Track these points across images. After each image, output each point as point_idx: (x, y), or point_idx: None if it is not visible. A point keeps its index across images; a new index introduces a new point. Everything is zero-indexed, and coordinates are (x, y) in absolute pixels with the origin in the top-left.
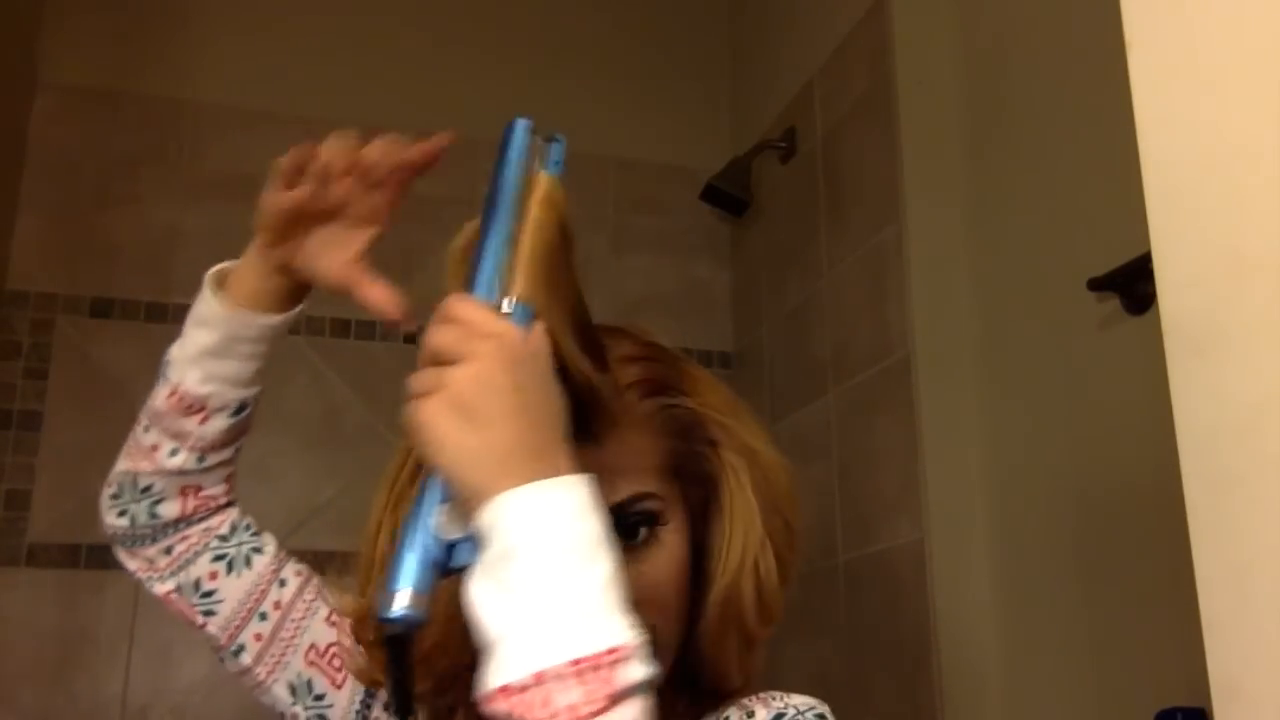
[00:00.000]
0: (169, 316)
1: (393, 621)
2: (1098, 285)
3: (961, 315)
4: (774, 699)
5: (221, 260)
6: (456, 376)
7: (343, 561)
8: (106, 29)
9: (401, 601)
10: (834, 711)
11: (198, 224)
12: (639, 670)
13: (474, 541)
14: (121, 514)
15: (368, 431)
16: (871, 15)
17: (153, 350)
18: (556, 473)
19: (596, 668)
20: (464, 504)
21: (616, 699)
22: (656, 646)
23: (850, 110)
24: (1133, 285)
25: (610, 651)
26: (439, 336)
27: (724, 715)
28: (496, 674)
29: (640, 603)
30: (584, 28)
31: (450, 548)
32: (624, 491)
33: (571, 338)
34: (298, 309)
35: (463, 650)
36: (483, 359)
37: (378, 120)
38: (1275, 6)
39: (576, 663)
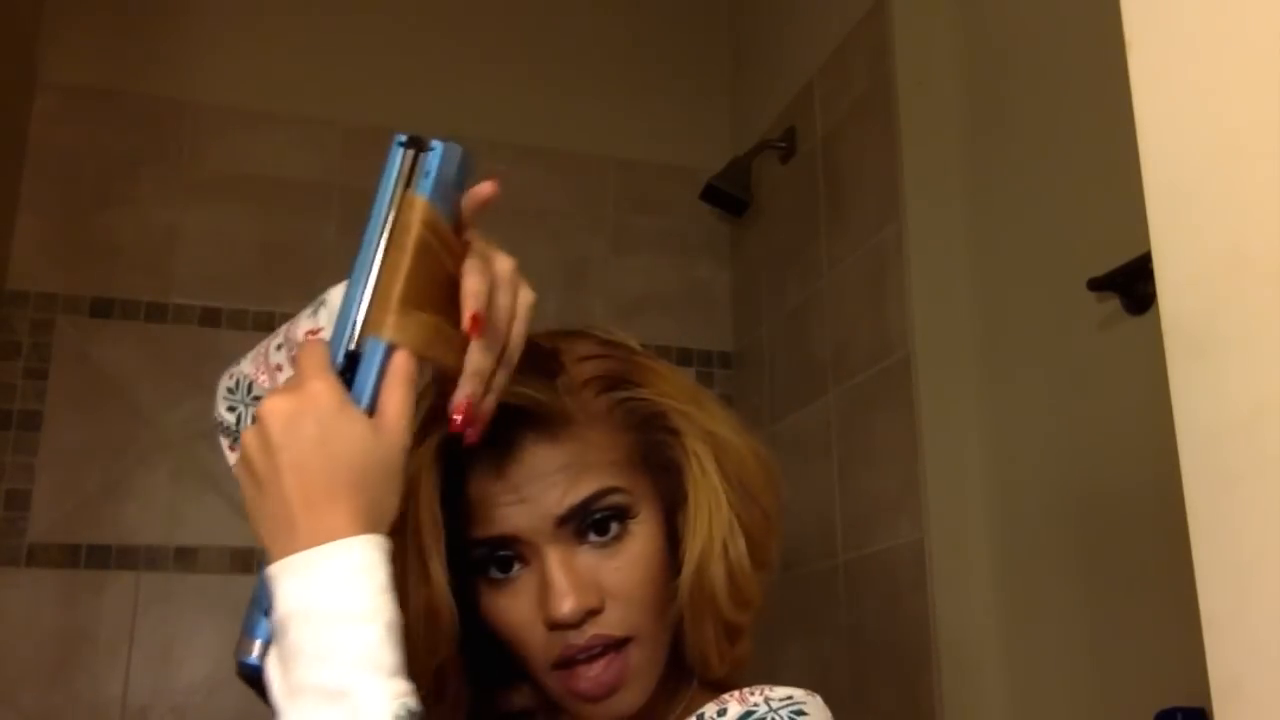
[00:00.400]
0: (169, 316)
1: (248, 667)
2: (1098, 285)
3: (961, 315)
4: (753, 693)
5: (221, 260)
6: (245, 438)
7: None
8: (106, 29)
9: (243, 647)
10: (833, 712)
11: (198, 224)
12: None
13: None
14: (231, 409)
15: None
16: (871, 15)
17: (153, 350)
18: (329, 533)
19: None
20: None
21: None
22: (640, 649)
23: (850, 110)
24: (1133, 285)
25: None
26: (269, 399)
27: (700, 712)
28: None
29: (617, 597)
30: (584, 28)
31: None
32: (586, 488)
33: (459, 348)
34: None
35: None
36: (263, 418)
37: (377, 120)
38: (1275, 6)
39: None
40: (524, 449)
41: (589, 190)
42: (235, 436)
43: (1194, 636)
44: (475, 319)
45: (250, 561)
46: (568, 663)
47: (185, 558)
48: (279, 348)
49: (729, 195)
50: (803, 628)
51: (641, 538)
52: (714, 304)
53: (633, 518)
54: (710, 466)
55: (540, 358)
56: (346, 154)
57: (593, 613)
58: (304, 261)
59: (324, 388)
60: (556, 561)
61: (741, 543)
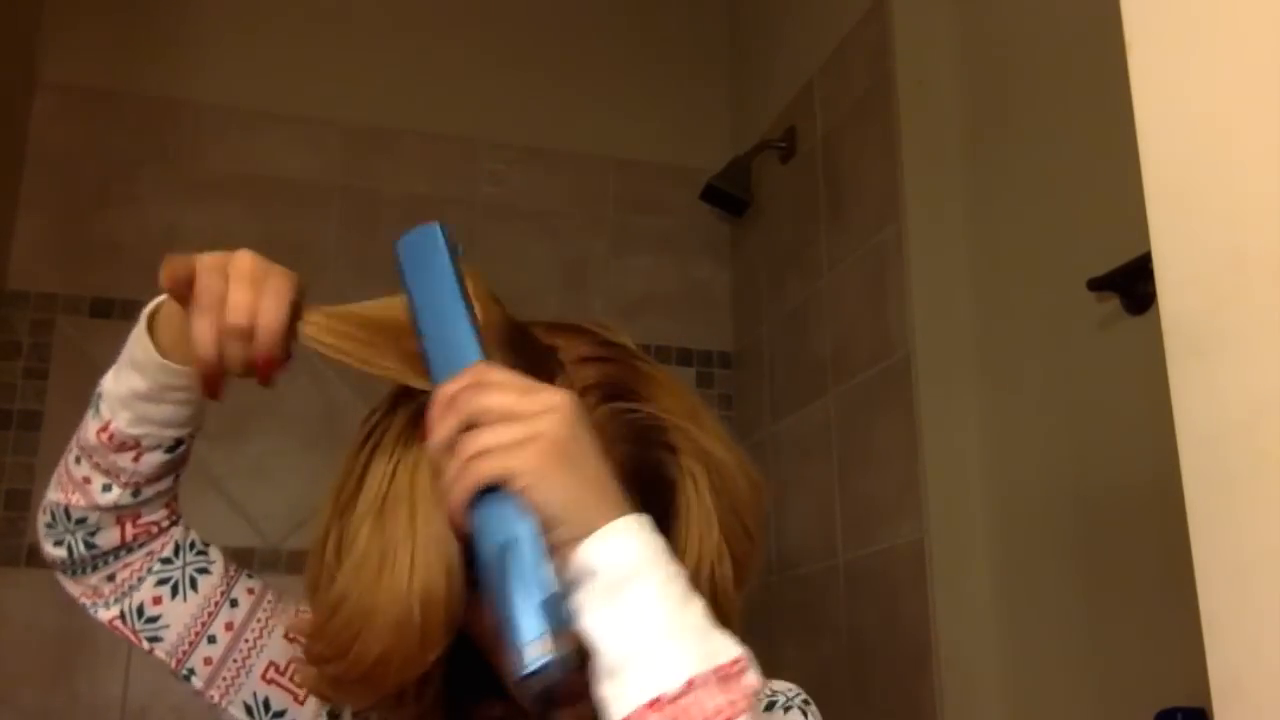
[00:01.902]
0: None
1: (538, 672)
2: (1098, 285)
3: (961, 315)
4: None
5: None
6: (544, 427)
7: None
8: (106, 29)
9: (537, 650)
10: (834, 712)
11: (198, 224)
12: (756, 677)
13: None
14: (58, 544)
15: None
16: (871, 15)
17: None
18: (632, 508)
19: (731, 675)
20: (561, 542)
21: (750, 701)
22: None
23: (850, 110)
24: (1133, 285)
25: (736, 661)
26: (493, 398)
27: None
28: (642, 688)
29: None
30: (584, 28)
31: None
32: None
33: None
34: None
35: (416, 664)
36: (561, 410)
37: (377, 120)
38: (1275, 6)
39: (718, 669)
40: None
41: (589, 190)
42: (73, 569)
43: (1194, 636)
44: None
45: (250, 561)
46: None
47: None
48: (78, 460)
49: (729, 195)
50: (802, 628)
51: None
52: (714, 304)
53: None
54: (704, 487)
55: (538, 356)
56: (346, 154)
57: None
58: (304, 261)
59: (566, 395)
60: None
61: (728, 566)
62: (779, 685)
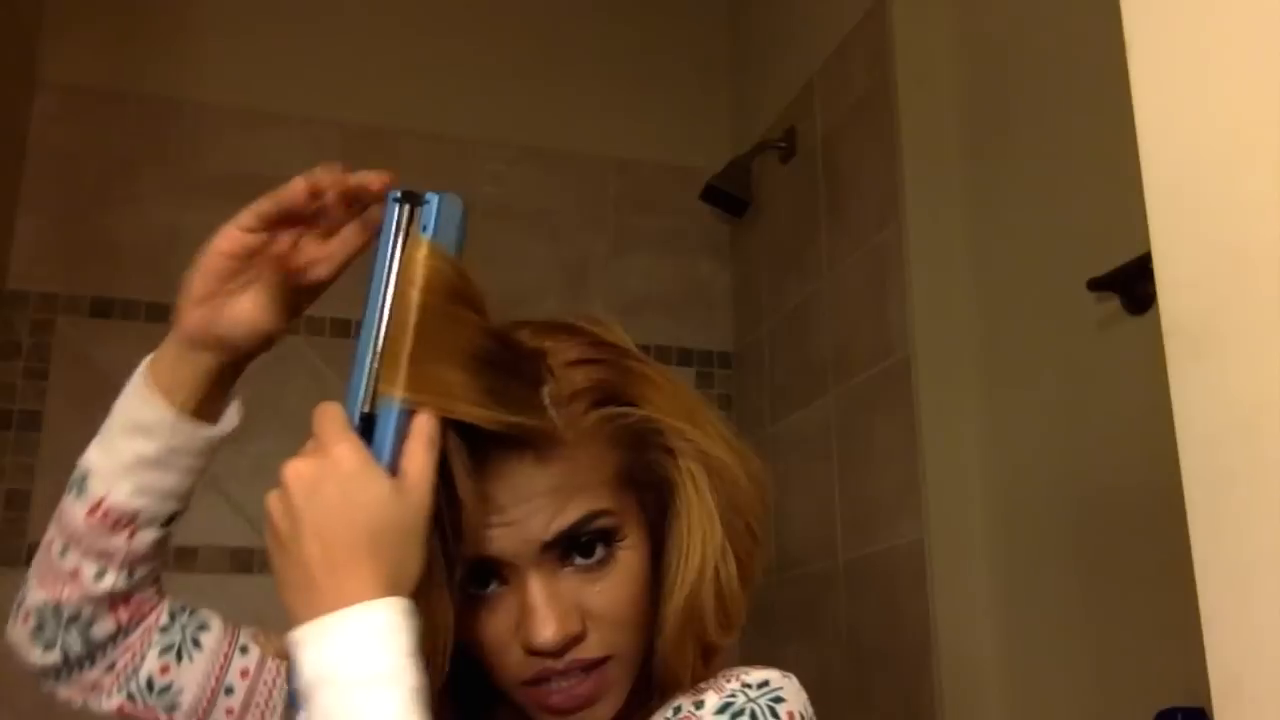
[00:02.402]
0: (169, 316)
1: None
2: (1098, 285)
3: (961, 315)
4: (729, 680)
5: None
6: (269, 503)
7: None
8: (106, 29)
9: None
10: (834, 712)
11: (198, 224)
12: None
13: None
14: (49, 648)
15: None
16: (871, 15)
17: (153, 351)
18: (351, 597)
19: None
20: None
21: None
22: (618, 664)
23: (850, 110)
24: (1133, 285)
25: None
26: (292, 463)
27: (676, 704)
28: None
29: (600, 620)
30: (584, 28)
31: None
32: (574, 513)
33: (472, 391)
34: (238, 413)
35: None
36: (287, 483)
37: (377, 120)
38: (1275, 6)
39: None
40: (509, 470)
41: (589, 190)
42: (68, 671)
43: (1194, 636)
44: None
45: (250, 562)
46: (537, 683)
47: (185, 557)
48: (64, 552)
49: (729, 195)
50: (803, 628)
51: (625, 562)
52: (714, 304)
53: (619, 540)
54: (704, 488)
55: (525, 360)
56: (346, 154)
57: (574, 639)
58: None
59: (347, 450)
60: (539, 586)
61: (732, 564)
62: (754, 676)
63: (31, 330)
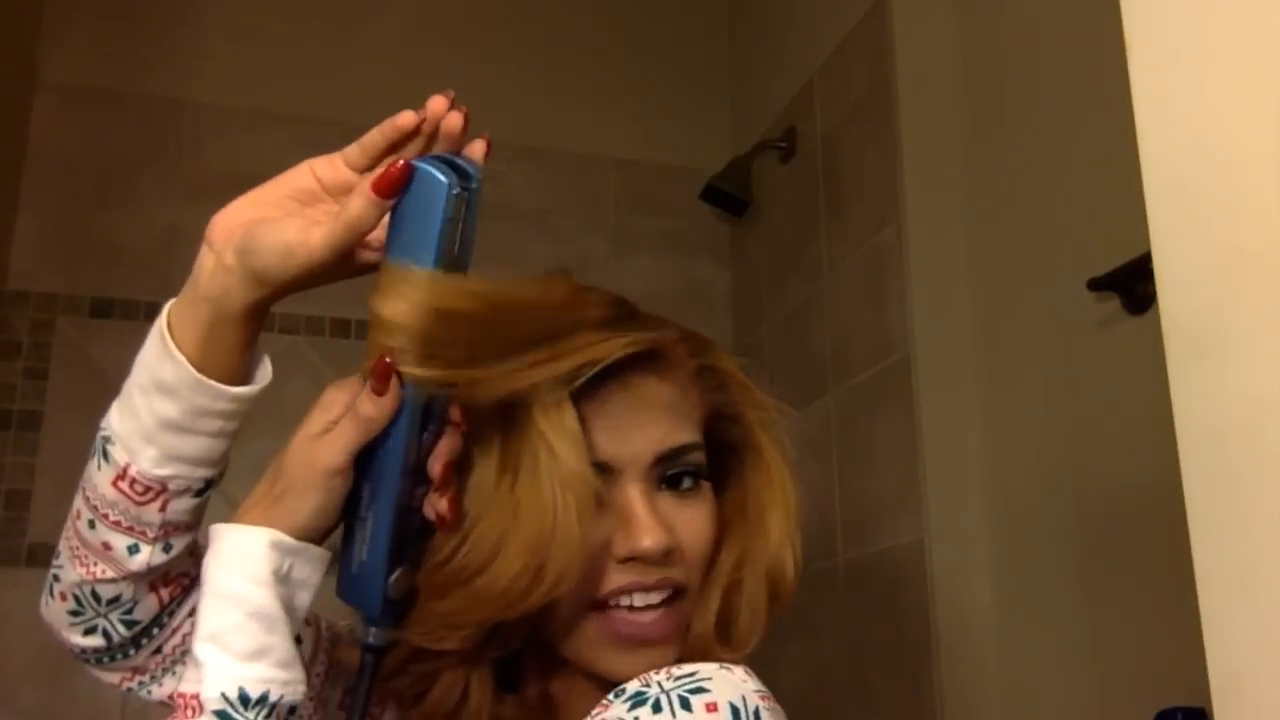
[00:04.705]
0: None
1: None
2: (1098, 285)
3: (961, 315)
4: (657, 673)
5: None
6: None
7: None
8: (106, 29)
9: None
10: (834, 712)
11: (198, 224)
12: None
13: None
14: (90, 632)
15: None
16: (871, 15)
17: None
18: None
19: (189, 708)
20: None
21: None
22: (688, 605)
23: (850, 110)
24: (1133, 285)
25: (195, 696)
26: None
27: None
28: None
29: (686, 548)
30: (584, 28)
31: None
32: (685, 435)
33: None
34: (267, 374)
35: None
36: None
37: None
38: (1275, 6)
39: (182, 695)
40: (634, 384)
41: (589, 190)
42: (110, 655)
43: (1194, 636)
44: None
45: None
46: (610, 605)
47: None
48: (91, 524)
49: (729, 195)
50: (803, 628)
51: (708, 499)
52: (714, 304)
53: (704, 478)
54: (781, 457)
55: (631, 313)
56: None
57: (669, 553)
58: None
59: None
60: (642, 496)
61: (800, 542)
62: (681, 669)
63: (31, 330)
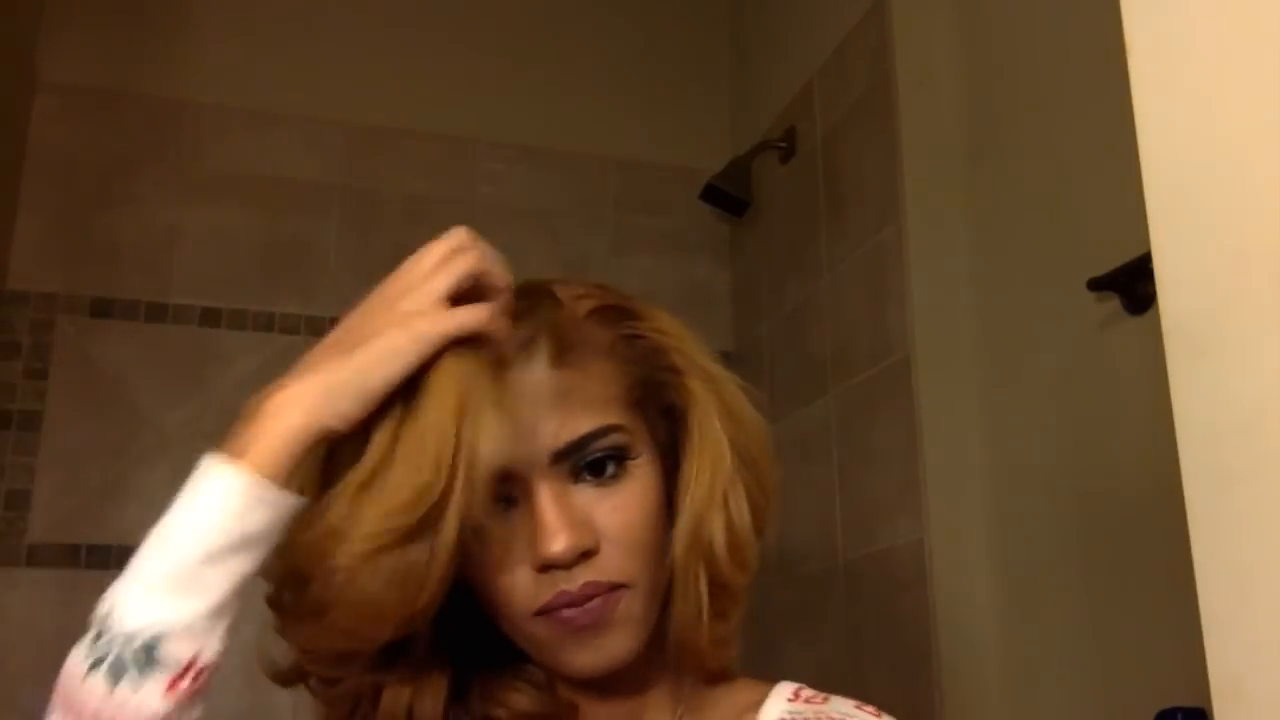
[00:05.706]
0: (169, 316)
1: None
2: (1098, 285)
3: (961, 315)
4: (879, 715)
5: (221, 260)
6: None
7: None
8: (106, 29)
9: None
10: None
11: (198, 224)
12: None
13: None
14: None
15: None
16: (871, 15)
17: (153, 350)
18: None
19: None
20: None
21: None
22: (635, 597)
23: (850, 110)
24: (1133, 285)
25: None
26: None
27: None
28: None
29: (613, 541)
30: (584, 28)
31: None
32: (585, 424)
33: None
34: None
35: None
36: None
37: (378, 120)
38: (1275, 7)
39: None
40: (522, 377)
41: (589, 190)
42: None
43: (1194, 636)
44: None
45: None
46: (554, 609)
47: None
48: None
49: (729, 195)
50: (803, 628)
51: (640, 479)
52: (714, 304)
53: (632, 458)
54: (713, 410)
55: (535, 292)
56: (347, 154)
57: (586, 555)
58: (304, 262)
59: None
60: (549, 497)
61: (743, 497)
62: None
63: (31, 330)
